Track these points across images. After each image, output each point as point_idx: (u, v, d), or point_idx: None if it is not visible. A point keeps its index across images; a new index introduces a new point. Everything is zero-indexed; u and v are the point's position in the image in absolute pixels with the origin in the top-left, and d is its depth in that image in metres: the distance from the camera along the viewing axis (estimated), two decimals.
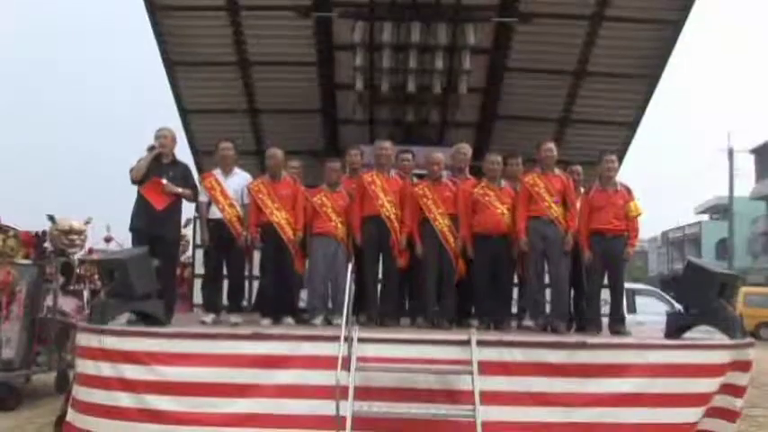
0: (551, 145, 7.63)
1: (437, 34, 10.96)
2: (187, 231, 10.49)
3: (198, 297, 8.52)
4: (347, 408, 5.54)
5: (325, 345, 6.06)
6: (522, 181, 7.51)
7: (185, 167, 7.69)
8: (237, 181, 7.66)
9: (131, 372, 6.07)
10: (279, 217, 7.42)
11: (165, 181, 7.28)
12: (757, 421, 7.95)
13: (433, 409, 5.84)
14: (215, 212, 7.53)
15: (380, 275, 7.70)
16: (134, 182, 7.36)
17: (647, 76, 11.72)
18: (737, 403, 6.39)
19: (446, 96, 11.93)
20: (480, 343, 6.04)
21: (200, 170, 11.27)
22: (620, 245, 7.36)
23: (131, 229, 7.40)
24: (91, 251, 11.19)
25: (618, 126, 12.54)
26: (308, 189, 7.81)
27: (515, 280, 7.92)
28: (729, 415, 6.33)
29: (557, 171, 7.55)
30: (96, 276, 9.77)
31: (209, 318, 7.43)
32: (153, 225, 7.23)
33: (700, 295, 6.78)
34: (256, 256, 8.01)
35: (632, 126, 12.50)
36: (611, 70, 11.68)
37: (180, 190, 7.40)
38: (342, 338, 5.80)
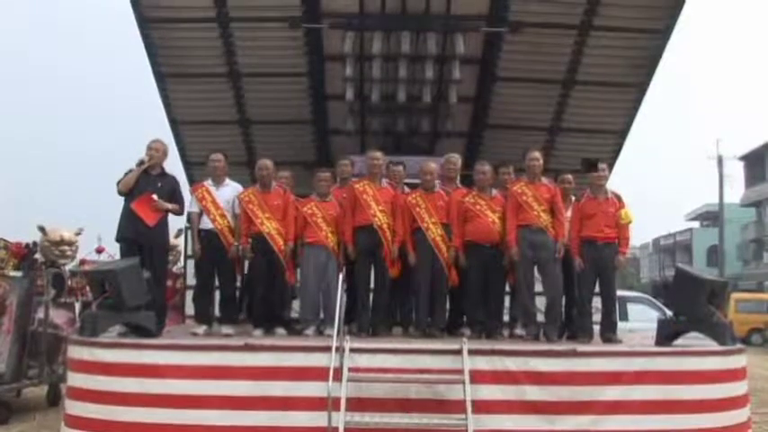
0: (537, 154, 7.67)
1: (427, 44, 10.99)
2: (178, 242, 10.48)
3: (189, 308, 8.50)
4: (339, 419, 5.54)
5: (316, 355, 6.06)
6: (510, 190, 7.54)
7: (173, 179, 7.69)
8: (229, 191, 7.67)
9: (123, 384, 6.06)
10: (269, 227, 7.42)
11: (155, 197, 7.28)
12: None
13: (425, 418, 5.84)
14: (206, 223, 7.54)
15: (372, 285, 7.70)
16: (121, 194, 7.35)
17: (636, 85, 11.78)
18: (744, 414, 6.45)
19: (436, 106, 11.96)
20: (472, 352, 6.06)
21: (191, 182, 11.27)
22: (611, 252, 7.39)
23: (119, 239, 7.38)
24: (83, 262, 11.16)
25: (607, 134, 12.59)
26: (298, 199, 7.83)
27: (507, 289, 7.94)
28: (741, 428, 6.40)
29: (544, 180, 7.58)
30: (87, 288, 9.73)
31: (201, 329, 7.42)
32: (141, 235, 7.23)
33: (689, 302, 6.83)
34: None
35: (622, 134, 12.54)
36: (600, 79, 11.73)
37: (170, 206, 7.41)
38: (333, 349, 5.82)
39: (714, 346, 6.62)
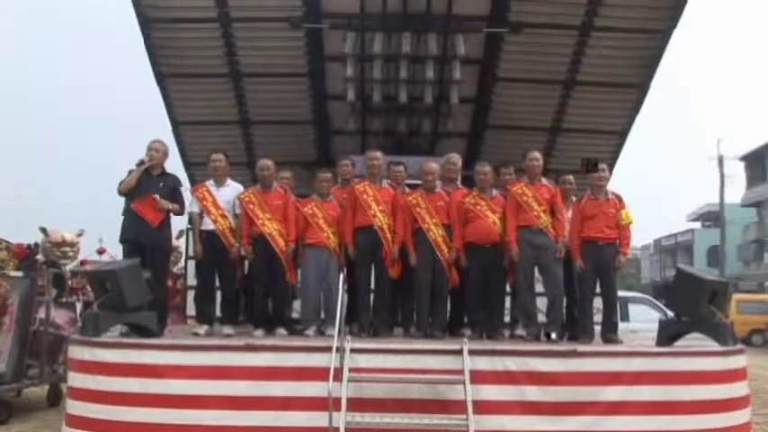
0: (537, 154, 7.68)
1: (428, 45, 10.99)
2: (180, 242, 10.48)
3: (191, 309, 8.51)
4: (340, 419, 5.54)
5: (317, 355, 6.07)
6: (510, 190, 7.55)
7: (175, 179, 7.69)
8: (229, 192, 7.67)
9: (124, 384, 6.07)
10: (270, 228, 7.42)
11: (158, 197, 7.28)
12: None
13: (425, 419, 5.84)
14: (207, 224, 7.54)
15: (373, 285, 7.70)
16: (122, 194, 7.36)
17: (637, 85, 11.79)
18: (745, 414, 6.44)
19: (437, 106, 11.97)
20: (472, 352, 6.06)
21: (192, 182, 11.28)
22: (612, 253, 7.39)
23: (122, 240, 7.39)
24: (83, 263, 11.17)
25: (608, 135, 12.60)
26: (298, 199, 7.83)
27: (507, 289, 7.93)
28: (742, 429, 6.39)
29: (543, 180, 7.59)
30: (88, 288, 9.74)
31: (202, 329, 7.43)
32: (144, 236, 7.23)
33: (690, 303, 6.82)
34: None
35: (622, 134, 12.55)
36: (600, 79, 11.73)
37: (172, 206, 7.41)
38: (334, 349, 5.82)
39: (715, 346, 6.62)
